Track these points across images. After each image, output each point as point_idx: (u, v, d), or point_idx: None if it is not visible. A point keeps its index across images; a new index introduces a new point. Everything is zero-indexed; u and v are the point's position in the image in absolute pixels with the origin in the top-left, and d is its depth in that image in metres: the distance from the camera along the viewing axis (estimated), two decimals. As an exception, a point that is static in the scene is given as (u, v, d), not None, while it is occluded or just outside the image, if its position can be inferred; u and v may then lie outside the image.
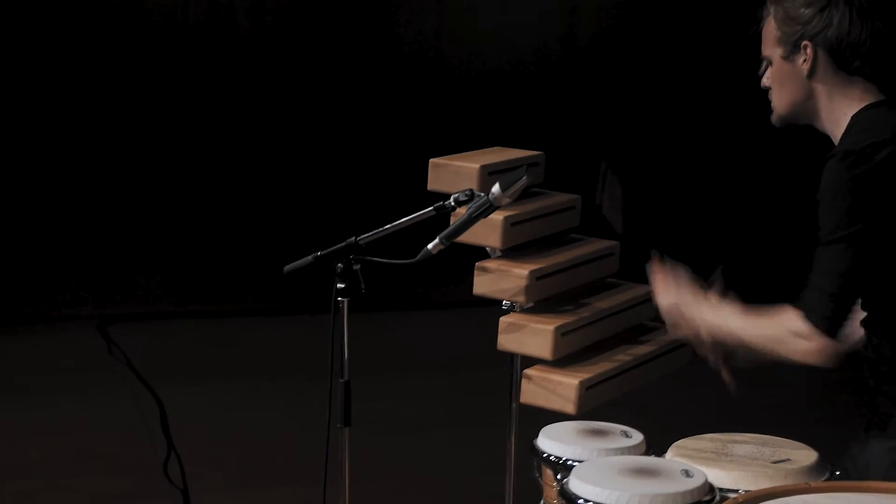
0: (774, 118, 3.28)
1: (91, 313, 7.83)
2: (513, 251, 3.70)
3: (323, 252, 3.45)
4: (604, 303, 3.74)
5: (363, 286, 3.43)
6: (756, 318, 3.12)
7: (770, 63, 3.23)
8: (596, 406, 3.52)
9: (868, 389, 3.21)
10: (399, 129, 8.91)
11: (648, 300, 3.79)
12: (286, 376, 6.84)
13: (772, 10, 3.21)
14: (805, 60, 3.15)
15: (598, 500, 3.00)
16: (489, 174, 3.66)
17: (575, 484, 3.07)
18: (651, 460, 3.23)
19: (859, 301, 3.17)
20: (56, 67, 8.40)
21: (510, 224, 3.62)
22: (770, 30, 3.21)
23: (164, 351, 7.31)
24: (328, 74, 8.92)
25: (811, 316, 3.02)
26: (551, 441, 3.37)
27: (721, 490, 3.11)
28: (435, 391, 6.68)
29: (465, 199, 3.32)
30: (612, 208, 3.50)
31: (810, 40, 3.13)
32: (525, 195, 3.75)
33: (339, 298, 3.41)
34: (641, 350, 3.71)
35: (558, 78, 9.31)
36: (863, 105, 3.15)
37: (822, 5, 3.13)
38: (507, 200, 3.30)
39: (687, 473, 3.09)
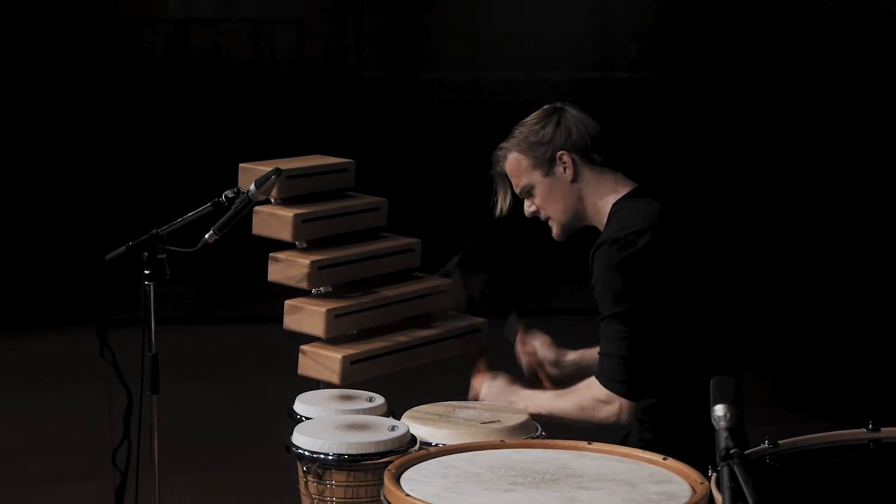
0: (556, 233, 3.79)
1: (94, 318, 8.49)
2: (318, 244, 4.21)
3: (133, 242, 4.02)
4: (391, 291, 4.22)
5: (168, 272, 3.98)
6: (566, 394, 3.68)
7: (531, 191, 3.72)
8: (366, 378, 4.01)
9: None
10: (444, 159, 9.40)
11: (443, 291, 4.30)
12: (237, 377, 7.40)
13: (508, 148, 3.73)
14: (565, 168, 3.66)
15: (306, 447, 3.51)
16: (287, 178, 4.18)
17: (295, 436, 3.58)
18: (368, 418, 3.71)
19: None
20: (64, 70, 9.09)
21: (301, 220, 4.13)
22: (517, 164, 3.72)
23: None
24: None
25: (607, 382, 3.56)
26: (303, 403, 3.87)
27: (428, 444, 3.57)
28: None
29: (233, 195, 3.85)
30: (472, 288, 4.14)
31: (563, 150, 3.63)
32: (332, 196, 4.29)
33: (146, 283, 3.99)
34: (422, 333, 4.18)
35: (593, 105, 9.74)
36: (619, 195, 3.66)
37: (556, 121, 3.67)
38: (262, 197, 3.83)
39: (392, 428, 3.57)
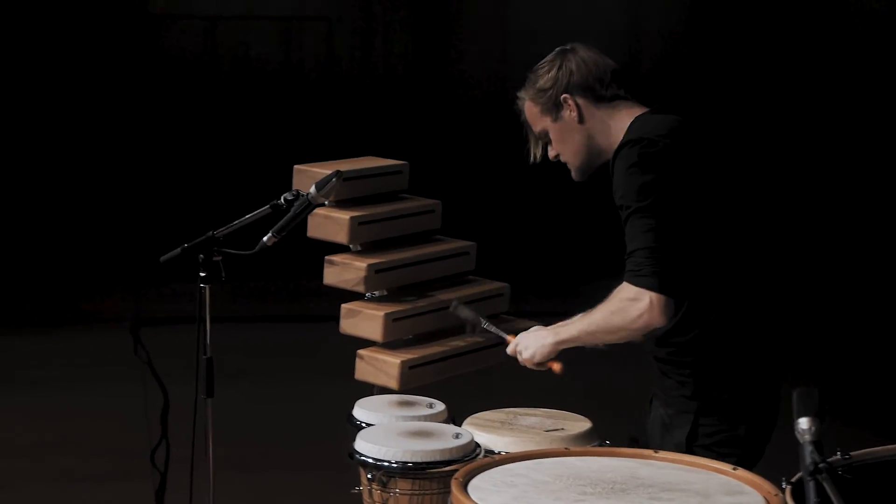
0: (574, 174, 3.72)
1: (126, 314, 8.48)
2: (372, 247, 4.18)
3: (189, 244, 3.98)
4: (447, 295, 4.19)
5: (224, 274, 3.94)
6: (594, 309, 3.50)
7: (547, 136, 3.67)
8: (422, 384, 3.98)
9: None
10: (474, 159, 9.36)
11: (500, 295, 4.27)
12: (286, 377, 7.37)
13: (522, 96, 3.68)
14: (570, 111, 3.61)
15: (370, 454, 3.47)
16: (344, 180, 4.14)
17: (358, 443, 3.54)
18: (432, 425, 3.67)
19: None
20: (93, 68, 9.08)
21: (357, 223, 4.10)
22: (531, 111, 3.68)
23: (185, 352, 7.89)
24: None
25: (634, 279, 3.37)
26: (363, 409, 3.83)
27: (493, 453, 3.53)
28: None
29: (292, 197, 3.81)
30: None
31: (565, 93, 3.59)
32: (388, 199, 4.26)
33: (202, 285, 3.95)
34: (478, 338, 4.15)
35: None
36: (631, 119, 3.59)
37: (558, 64, 3.62)
38: (322, 199, 3.78)
39: (457, 436, 3.53)
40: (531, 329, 3.71)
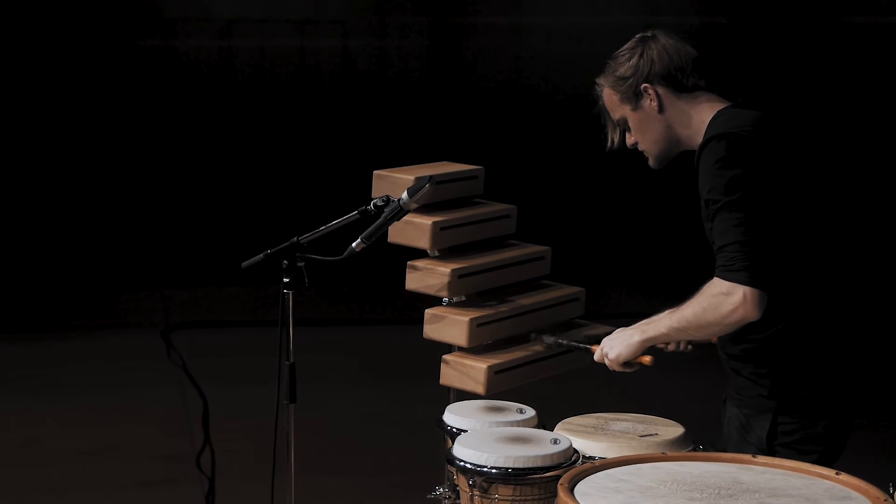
0: (652, 163, 3.73)
1: (157, 320, 8.48)
2: (449, 252, 4.18)
3: (272, 250, 3.97)
4: (527, 300, 4.19)
5: (307, 280, 3.93)
6: (684, 305, 3.49)
7: (626, 123, 3.68)
8: (507, 388, 3.98)
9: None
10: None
11: (576, 299, 4.28)
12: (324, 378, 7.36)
13: (602, 83, 3.69)
14: (651, 100, 3.62)
15: (471, 460, 3.47)
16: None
17: (456, 449, 3.54)
18: (528, 431, 3.67)
19: None
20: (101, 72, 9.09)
21: (439, 228, 4.10)
22: (610, 98, 3.68)
23: (215, 355, 7.90)
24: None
25: (726, 274, 3.36)
26: (454, 415, 3.83)
27: (589, 458, 3.54)
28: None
29: (383, 203, 3.81)
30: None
31: (646, 82, 3.59)
32: (463, 203, 4.26)
33: (285, 291, 3.93)
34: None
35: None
36: (713, 112, 3.59)
37: (639, 52, 3.62)
38: (414, 205, 3.79)
39: (555, 441, 3.53)
40: (615, 331, 3.72)
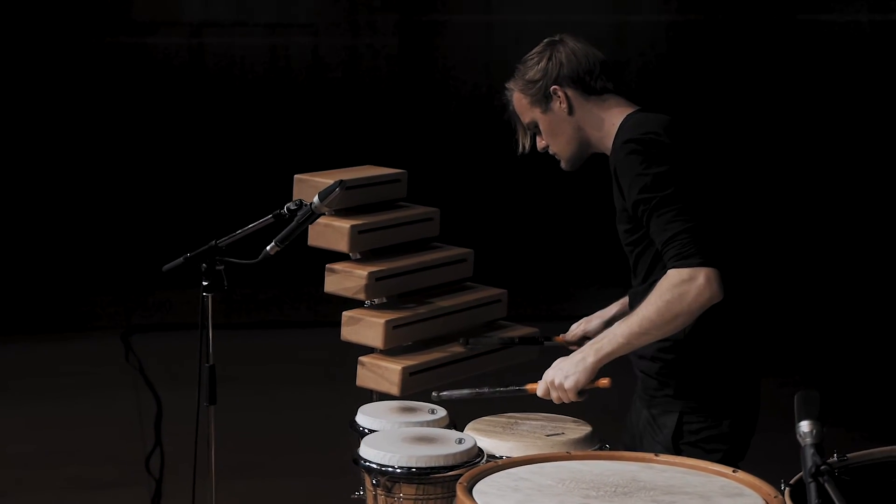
0: (564, 165, 3.76)
1: (118, 324, 8.53)
2: (371, 255, 4.23)
3: (191, 253, 4.01)
4: (447, 301, 4.24)
5: (226, 283, 3.97)
6: (638, 308, 3.46)
7: (536, 127, 3.71)
8: (422, 389, 4.03)
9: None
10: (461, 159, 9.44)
11: (498, 301, 4.33)
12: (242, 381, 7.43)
13: (511, 88, 3.71)
14: (560, 102, 3.65)
15: (375, 460, 3.52)
16: (347, 189, 4.18)
17: (362, 449, 3.58)
18: (434, 431, 3.71)
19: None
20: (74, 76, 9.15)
21: (357, 231, 4.14)
22: (520, 102, 3.71)
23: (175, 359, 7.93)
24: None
25: (683, 262, 3.37)
26: (366, 416, 3.88)
27: (495, 457, 3.58)
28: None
29: (296, 207, 3.85)
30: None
31: (555, 84, 3.63)
32: (386, 207, 4.31)
33: (205, 294, 3.98)
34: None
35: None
36: (623, 116, 3.64)
37: (548, 55, 3.65)
38: (326, 209, 3.84)
39: (460, 441, 3.58)
40: (557, 361, 3.57)
